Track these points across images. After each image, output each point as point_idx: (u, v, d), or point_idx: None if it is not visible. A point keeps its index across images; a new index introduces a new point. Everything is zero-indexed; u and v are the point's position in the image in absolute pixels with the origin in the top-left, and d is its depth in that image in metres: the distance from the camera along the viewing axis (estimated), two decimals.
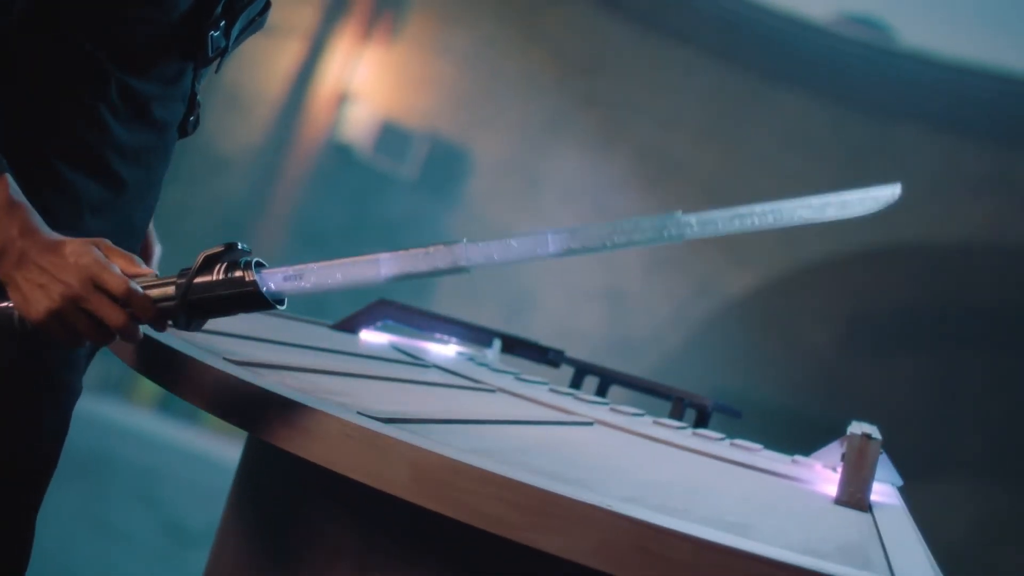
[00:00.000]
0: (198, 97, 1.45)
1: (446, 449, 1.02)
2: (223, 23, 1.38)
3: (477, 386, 1.75)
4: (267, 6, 1.47)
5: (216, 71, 1.47)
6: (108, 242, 1.16)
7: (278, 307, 1.15)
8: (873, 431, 1.40)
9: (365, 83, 8.73)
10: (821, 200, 1.08)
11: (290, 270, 1.14)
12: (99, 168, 1.31)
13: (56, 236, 1.14)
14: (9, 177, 1.14)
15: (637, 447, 1.53)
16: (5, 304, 1.16)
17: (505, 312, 8.38)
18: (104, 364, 7.37)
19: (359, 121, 8.61)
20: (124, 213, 1.36)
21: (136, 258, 1.16)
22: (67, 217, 1.26)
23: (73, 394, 1.38)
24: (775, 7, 8.65)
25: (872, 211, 1.08)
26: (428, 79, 8.78)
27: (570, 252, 1.10)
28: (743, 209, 1.08)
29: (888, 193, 1.08)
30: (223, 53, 1.42)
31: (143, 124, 1.35)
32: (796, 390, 8.83)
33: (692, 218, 1.09)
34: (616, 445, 1.51)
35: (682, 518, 0.96)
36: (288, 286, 1.14)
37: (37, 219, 1.15)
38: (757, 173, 8.46)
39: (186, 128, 1.45)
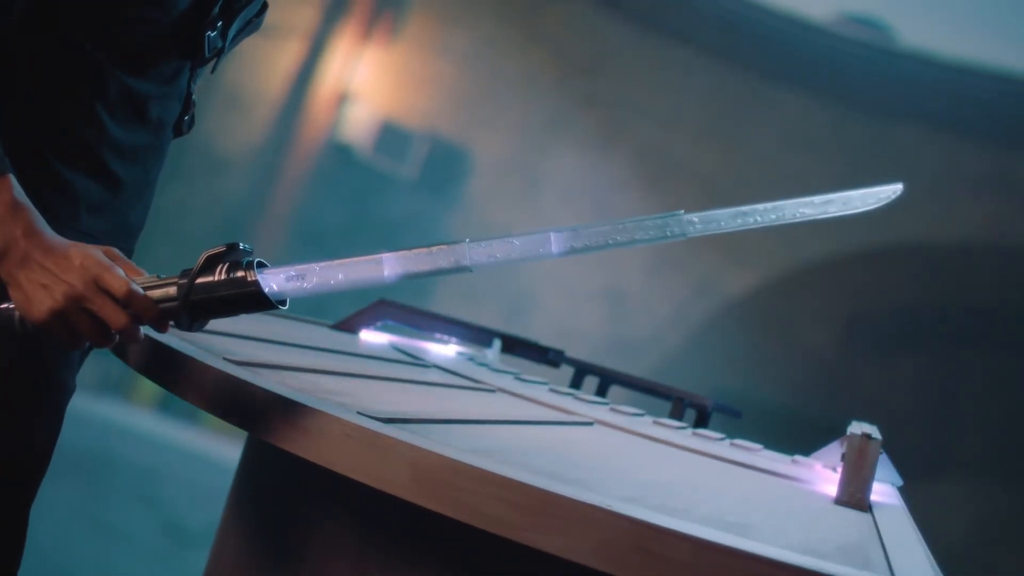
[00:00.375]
0: (193, 96, 1.45)
1: (446, 449, 1.01)
2: (220, 24, 1.38)
3: (477, 386, 1.75)
4: (264, 7, 1.47)
5: (212, 71, 1.48)
6: (116, 251, 1.16)
7: (280, 307, 1.15)
8: (873, 431, 1.40)
9: (365, 83, 8.73)
10: (823, 198, 1.09)
11: (292, 270, 1.14)
12: (97, 167, 1.31)
13: (60, 239, 1.15)
14: (13, 178, 1.15)
15: (637, 447, 1.53)
16: (6, 305, 1.17)
17: (505, 312, 8.38)
18: (104, 364, 7.37)
19: (359, 121, 8.61)
20: (121, 212, 1.37)
21: (142, 271, 1.17)
22: (65, 216, 1.27)
23: (68, 393, 1.39)
24: (775, 7, 8.65)
25: (874, 208, 1.08)
26: (428, 79, 8.78)
27: (572, 251, 1.11)
28: (746, 208, 1.08)
29: (890, 190, 1.08)
30: (220, 53, 1.42)
31: (140, 123, 1.35)
32: (796, 390, 8.83)
33: (695, 216, 1.09)
34: (616, 445, 1.51)
35: (682, 518, 0.96)
36: (290, 286, 1.14)
37: (41, 221, 1.15)
38: (757, 173, 8.46)
39: (181, 127, 1.46)
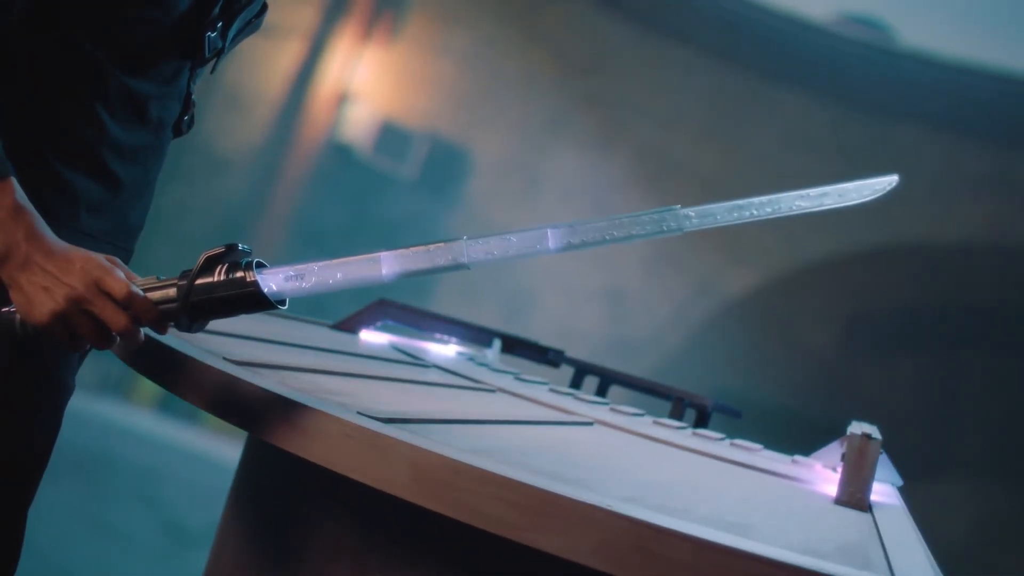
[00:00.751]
0: (193, 96, 1.46)
1: (446, 449, 1.01)
2: (220, 24, 1.38)
3: (477, 386, 1.75)
4: (264, 8, 1.47)
5: (212, 72, 1.48)
6: (117, 260, 1.17)
7: (279, 307, 1.15)
8: (873, 431, 1.40)
9: (365, 83, 8.73)
10: (819, 191, 1.09)
11: (291, 270, 1.14)
12: (97, 167, 1.31)
13: (61, 242, 1.15)
14: (15, 181, 1.15)
15: (637, 447, 1.53)
16: (7, 308, 1.17)
17: (505, 312, 8.38)
18: (104, 364, 7.35)
19: (359, 121, 8.61)
20: (121, 212, 1.37)
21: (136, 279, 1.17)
22: (65, 216, 1.27)
23: (68, 392, 1.39)
24: (775, 7, 8.65)
25: (869, 200, 1.08)
26: (428, 79, 8.78)
27: (569, 247, 1.10)
28: (742, 201, 1.09)
29: (885, 182, 1.08)
30: (220, 54, 1.42)
31: (140, 123, 1.36)
32: (796, 390, 8.83)
33: (691, 211, 1.09)
34: (616, 445, 1.51)
35: (682, 518, 0.96)
36: (289, 286, 1.14)
37: (42, 224, 1.16)
38: (757, 173, 8.46)
39: (180, 127, 1.46)
